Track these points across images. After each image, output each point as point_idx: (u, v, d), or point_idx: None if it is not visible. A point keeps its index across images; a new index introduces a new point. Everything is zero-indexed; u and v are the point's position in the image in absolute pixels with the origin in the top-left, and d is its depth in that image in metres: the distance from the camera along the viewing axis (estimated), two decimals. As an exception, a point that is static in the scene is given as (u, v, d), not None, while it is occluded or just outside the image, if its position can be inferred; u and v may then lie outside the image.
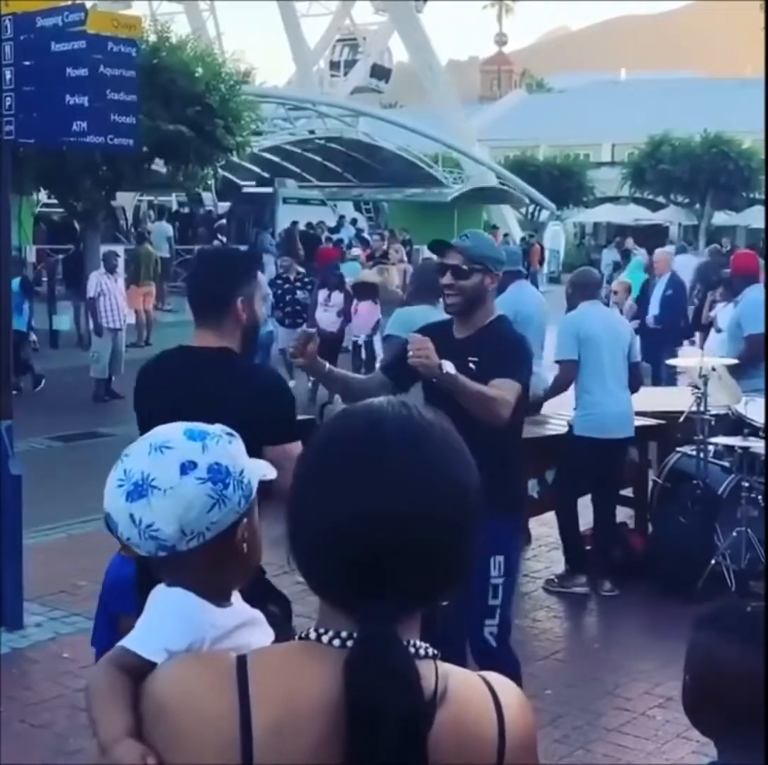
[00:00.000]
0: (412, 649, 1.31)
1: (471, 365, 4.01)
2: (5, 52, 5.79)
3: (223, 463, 1.54)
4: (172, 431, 1.57)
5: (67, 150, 14.82)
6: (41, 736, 4.78)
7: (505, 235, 32.82)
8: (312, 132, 31.42)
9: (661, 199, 39.73)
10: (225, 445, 1.57)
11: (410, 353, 3.82)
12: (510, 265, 7.62)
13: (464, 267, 4.18)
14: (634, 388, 6.79)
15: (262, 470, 1.61)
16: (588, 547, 6.93)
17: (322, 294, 13.61)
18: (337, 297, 13.47)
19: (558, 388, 6.88)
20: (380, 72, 49.19)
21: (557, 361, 6.81)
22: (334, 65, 47.87)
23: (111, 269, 14.57)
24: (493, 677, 1.40)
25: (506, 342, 4.18)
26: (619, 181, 39.55)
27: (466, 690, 1.35)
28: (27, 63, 5.80)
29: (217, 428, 1.60)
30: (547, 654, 5.84)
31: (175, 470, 1.51)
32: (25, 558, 6.04)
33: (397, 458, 1.31)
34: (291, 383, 14.39)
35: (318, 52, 47.64)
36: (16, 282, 11.87)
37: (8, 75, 5.79)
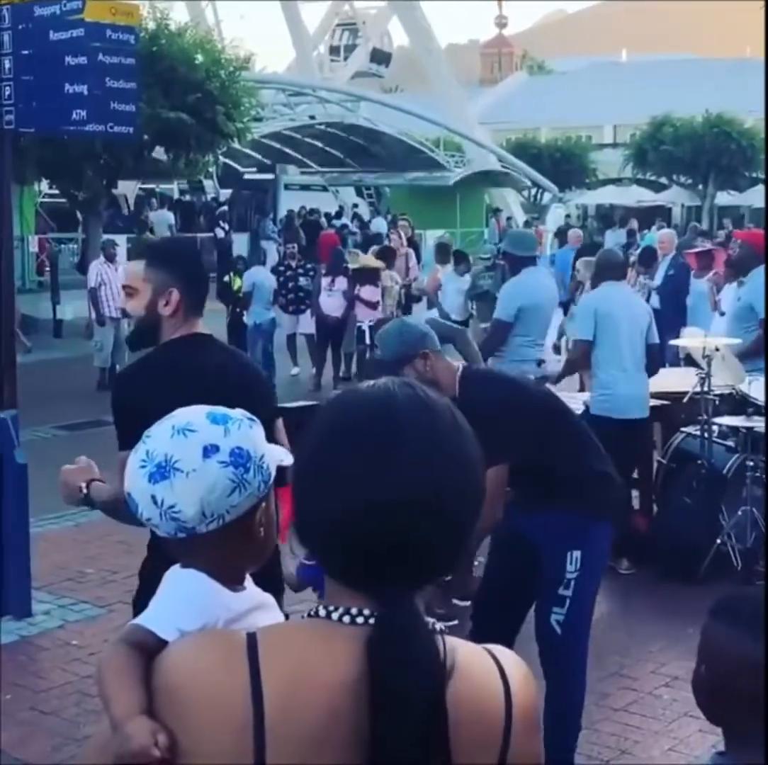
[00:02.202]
0: (430, 625, 1.33)
1: None
2: (4, 41, 5.79)
3: (245, 447, 1.56)
4: (194, 414, 1.58)
5: (67, 139, 14.80)
6: (50, 723, 4.80)
7: (508, 218, 32.80)
8: (312, 117, 31.35)
9: (663, 180, 39.61)
10: (246, 430, 1.59)
11: None
12: (523, 250, 7.61)
13: (393, 371, 3.97)
14: (653, 369, 6.78)
15: (280, 456, 1.62)
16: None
17: (326, 279, 13.59)
18: (342, 282, 13.45)
19: (570, 366, 6.89)
20: (380, 56, 49.10)
21: (574, 341, 6.82)
22: (333, 50, 47.81)
23: (110, 258, 14.55)
24: (499, 650, 1.42)
25: (473, 418, 4.04)
26: (622, 162, 39.44)
27: (473, 663, 1.36)
28: (26, 52, 5.80)
29: (239, 412, 1.62)
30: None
31: (198, 453, 1.53)
32: (31, 547, 6.05)
33: (411, 441, 1.32)
34: (295, 370, 14.47)
35: (317, 37, 47.55)
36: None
37: (7, 64, 5.79)
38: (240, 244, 25.15)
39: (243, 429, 1.58)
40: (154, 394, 2.90)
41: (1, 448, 5.89)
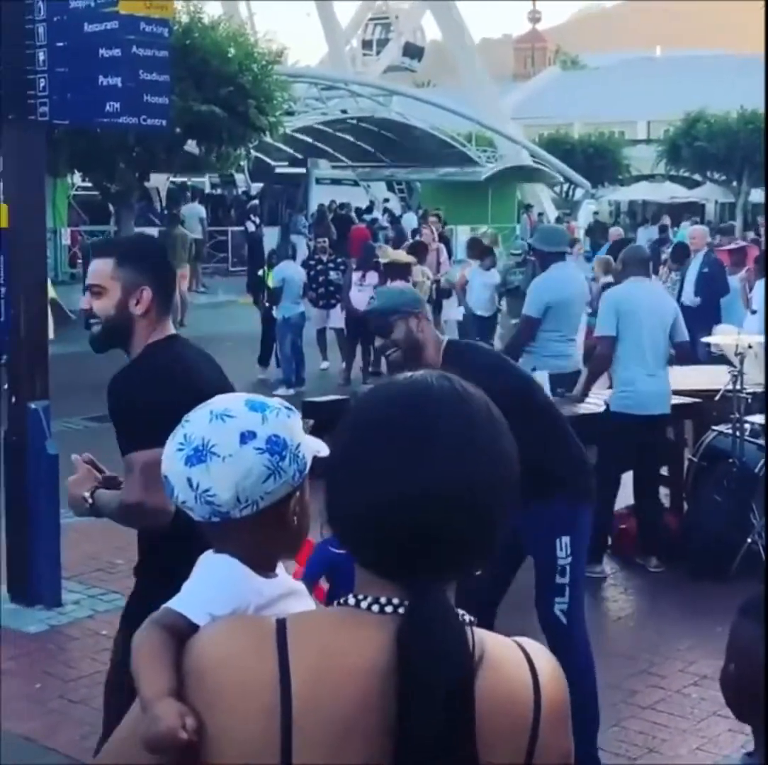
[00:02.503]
0: (462, 615, 1.33)
1: None
2: (39, 33, 5.80)
3: (282, 435, 1.57)
4: (233, 401, 1.60)
5: (100, 131, 14.88)
6: (79, 712, 4.83)
7: (540, 214, 32.68)
8: (344, 112, 31.37)
9: (697, 176, 39.36)
10: (284, 419, 1.60)
11: None
12: (553, 245, 7.58)
13: (383, 322, 4.25)
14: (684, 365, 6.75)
15: (316, 446, 1.62)
16: (623, 526, 6.92)
17: (357, 274, 13.59)
18: (372, 276, 13.45)
19: (595, 364, 6.84)
20: (413, 51, 49.02)
21: (596, 337, 6.78)
22: (366, 44, 47.78)
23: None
24: (528, 643, 1.41)
25: (466, 369, 4.12)
26: (655, 158, 39.20)
27: (502, 655, 1.36)
28: (60, 44, 5.81)
29: (277, 401, 1.63)
30: (581, 632, 5.83)
31: (235, 438, 1.54)
32: (62, 537, 6.10)
33: (445, 434, 1.32)
34: (324, 365, 14.49)
35: (350, 31, 47.52)
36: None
37: (42, 56, 5.80)
38: (271, 238, 25.19)
39: (280, 417, 1.59)
40: (153, 398, 2.92)
41: (32, 438, 5.93)
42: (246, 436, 1.54)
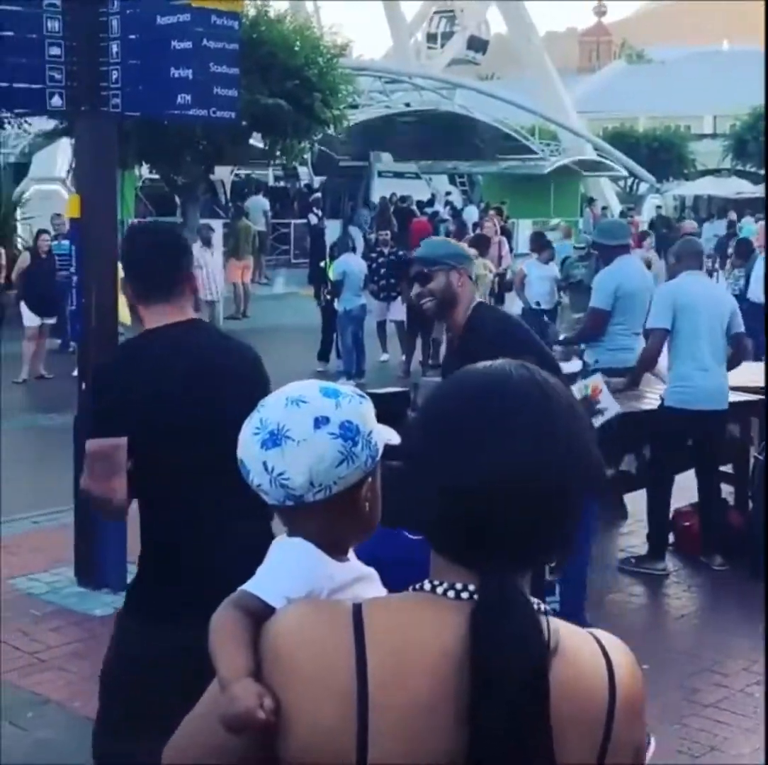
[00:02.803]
0: (536, 604, 1.34)
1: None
2: (112, 25, 5.88)
3: (355, 421, 1.59)
4: (307, 387, 1.62)
5: (167, 124, 15.03)
6: (144, 694, 4.90)
7: (604, 208, 32.39)
8: (408, 105, 31.36)
9: (763, 171, 38.74)
10: (356, 405, 1.62)
11: None
12: (615, 239, 7.53)
13: (425, 270, 4.26)
14: (738, 360, 6.66)
15: (388, 434, 1.65)
16: (687, 524, 6.86)
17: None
18: (433, 270, 13.42)
19: (646, 357, 6.77)
20: (477, 44, 48.82)
21: (648, 329, 6.71)
22: (431, 37, 47.65)
23: (206, 242, 14.76)
24: (604, 635, 1.41)
25: (486, 330, 4.14)
26: (721, 153, 38.70)
27: (577, 646, 1.36)
28: (133, 36, 5.88)
29: (350, 388, 1.66)
30: (644, 628, 5.81)
31: (309, 423, 1.56)
32: (127, 521, 6.18)
33: (523, 423, 1.33)
34: (384, 357, 14.52)
35: (415, 24, 47.45)
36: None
37: (115, 48, 5.88)
38: (333, 231, 25.27)
39: (353, 404, 1.62)
40: (107, 390, 2.99)
41: (101, 425, 6.02)
42: (320, 421, 1.56)
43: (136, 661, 2.96)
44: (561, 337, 8.31)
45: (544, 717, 1.28)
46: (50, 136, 19.78)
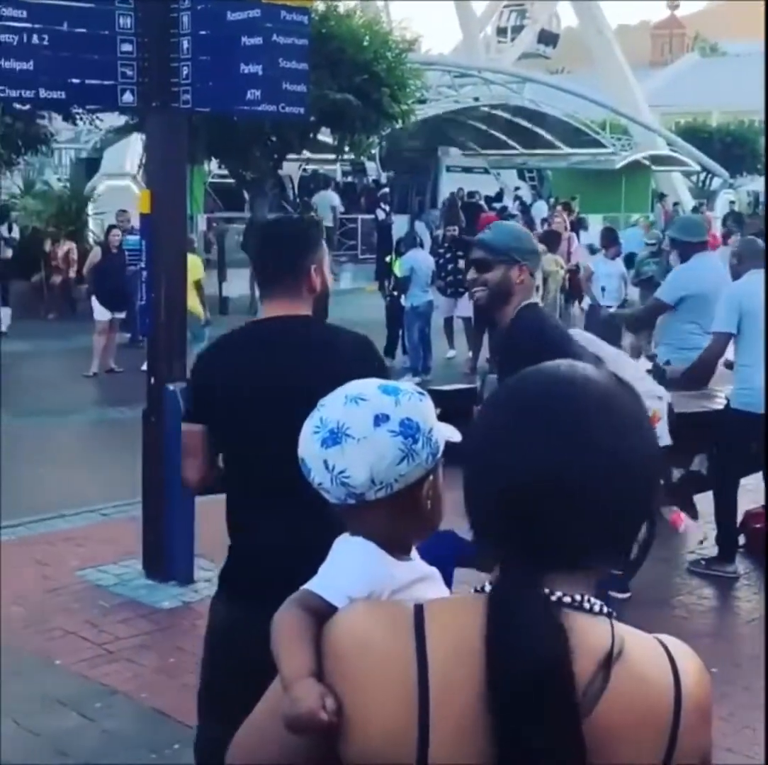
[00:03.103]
0: (568, 599, 1.31)
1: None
2: (183, 22, 5.92)
3: (415, 419, 1.58)
4: (367, 385, 1.62)
5: (236, 119, 15.12)
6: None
7: (675, 203, 31.99)
8: (477, 99, 31.18)
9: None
10: (416, 403, 1.61)
11: None
12: (692, 236, 7.41)
13: (487, 259, 4.03)
14: None
15: (449, 432, 1.63)
16: (757, 526, 6.74)
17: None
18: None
19: (705, 359, 6.62)
20: (547, 37, 48.46)
21: (712, 332, 6.56)
22: (500, 31, 47.41)
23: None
24: (671, 641, 1.38)
25: (518, 338, 3.96)
26: (796, 147, 37.95)
27: (641, 652, 1.34)
28: (203, 32, 5.92)
29: (410, 386, 1.65)
30: (712, 631, 5.72)
31: (369, 421, 1.56)
32: (196, 515, 6.23)
33: (584, 419, 1.32)
34: (451, 353, 14.48)
35: (485, 18, 47.23)
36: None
37: (185, 44, 5.92)
38: (400, 226, 25.27)
39: (413, 401, 1.61)
40: (193, 377, 3.13)
41: (169, 419, 6.06)
42: (379, 419, 1.56)
43: (213, 636, 3.09)
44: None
45: (571, 719, 1.25)
46: (121, 132, 20.01)
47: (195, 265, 12.95)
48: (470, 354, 13.92)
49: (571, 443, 1.31)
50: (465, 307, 13.97)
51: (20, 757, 4.31)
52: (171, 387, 6.07)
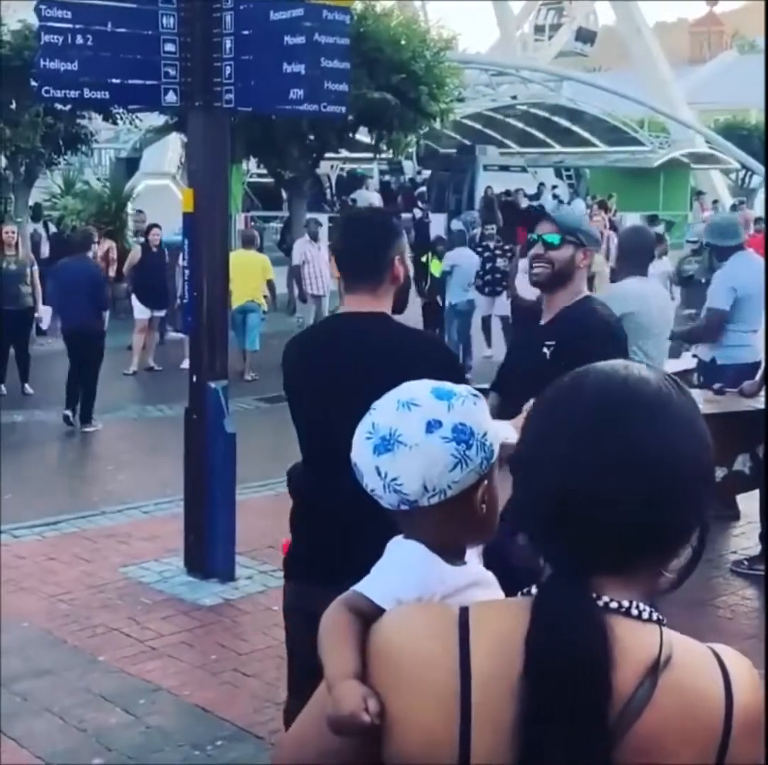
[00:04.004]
0: (615, 605, 1.29)
1: (545, 351, 3.74)
2: (226, 21, 5.94)
3: (468, 423, 1.55)
4: (419, 389, 1.59)
5: (274, 119, 15.16)
6: (252, 686, 4.96)
7: (714, 201, 31.71)
8: (514, 97, 31.11)
9: None
10: (470, 406, 1.58)
11: None
12: (728, 240, 7.34)
13: (556, 236, 3.94)
14: None
15: (505, 432, 1.61)
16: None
17: (524, 261, 13.46)
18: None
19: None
20: (585, 35, 48.14)
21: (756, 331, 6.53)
22: (538, 29, 47.18)
23: (314, 236, 14.85)
24: (725, 650, 1.35)
25: (591, 323, 3.84)
26: (837, 145, 37.52)
27: (691, 660, 1.31)
28: (246, 32, 5.93)
29: (463, 389, 1.62)
30: (756, 632, 5.66)
31: (421, 428, 1.53)
32: (236, 514, 6.25)
33: (636, 423, 1.30)
34: (489, 352, 14.43)
35: (522, 16, 47.04)
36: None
37: (228, 44, 5.94)
38: (437, 225, 25.24)
39: (466, 405, 1.58)
40: (294, 368, 3.24)
41: (212, 417, 6.10)
42: (432, 425, 1.53)
43: (285, 617, 3.23)
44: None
45: (601, 723, 1.23)
46: (160, 132, 20.12)
47: (266, 266, 13.24)
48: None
49: (624, 447, 1.29)
50: (503, 306, 13.91)
51: (66, 752, 4.35)
52: (212, 385, 6.10)
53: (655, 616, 1.32)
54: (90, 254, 11.56)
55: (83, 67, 5.77)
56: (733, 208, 29.16)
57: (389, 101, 16.74)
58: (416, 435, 1.53)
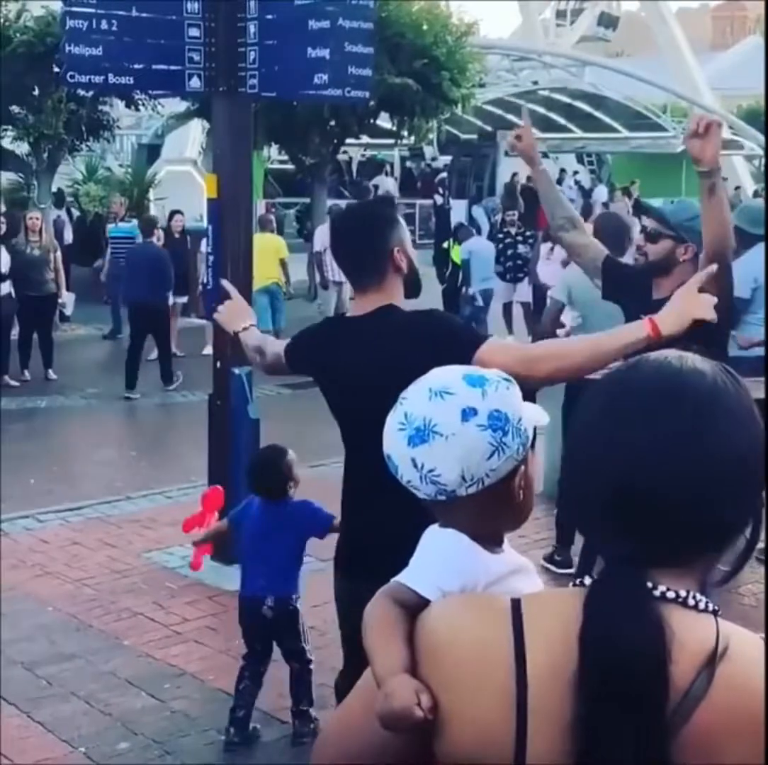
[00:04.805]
0: (672, 594, 1.27)
1: None
2: (250, 6, 5.91)
3: (503, 410, 1.53)
4: (451, 376, 1.57)
5: (296, 105, 15.12)
6: (275, 671, 4.92)
7: (737, 187, 31.50)
8: (536, 83, 30.92)
9: None
10: (503, 392, 1.56)
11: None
12: (757, 227, 7.26)
13: (656, 229, 4.17)
14: None
15: (536, 417, 1.59)
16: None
17: (545, 247, 13.42)
18: (560, 250, 13.25)
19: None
20: (607, 20, 47.81)
21: None
22: (560, 14, 46.83)
23: (337, 223, 14.84)
24: None
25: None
26: None
27: (749, 652, 1.29)
28: (270, 17, 5.90)
29: (495, 374, 1.59)
30: (781, 621, 5.63)
31: (457, 416, 1.51)
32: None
33: (691, 414, 1.29)
34: (510, 339, 14.40)
35: (544, 1, 46.74)
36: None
37: (252, 29, 5.91)
38: (458, 211, 25.17)
39: (500, 391, 1.56)
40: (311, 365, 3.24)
41: (235, 403, 6.10)
42: (467, 413, 1.51)
43: (335, 601, 3.27)
44: None
45: (659, 717, 1.21)
46: (182, 118, 20.10)
47: (280, 245, 13.50)
48: (530, 339, 13.84)
49: (678, 439, 1.28)
50: (524, 293, 13.87)
51: (93, 735, 4.38)
52: (236, 371, 6.10)
53: (710, 606, 1.30)
54: (154, 239, 12.22)
55: (108, 53, 5.76)
56: (756, 194, 28.96)
57: (411, 87, 16.66)
58: (452, 424, 1.50)
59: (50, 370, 12.09)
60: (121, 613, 5.57)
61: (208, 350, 12.30)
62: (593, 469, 1.31)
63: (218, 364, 6.23)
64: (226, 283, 3.90)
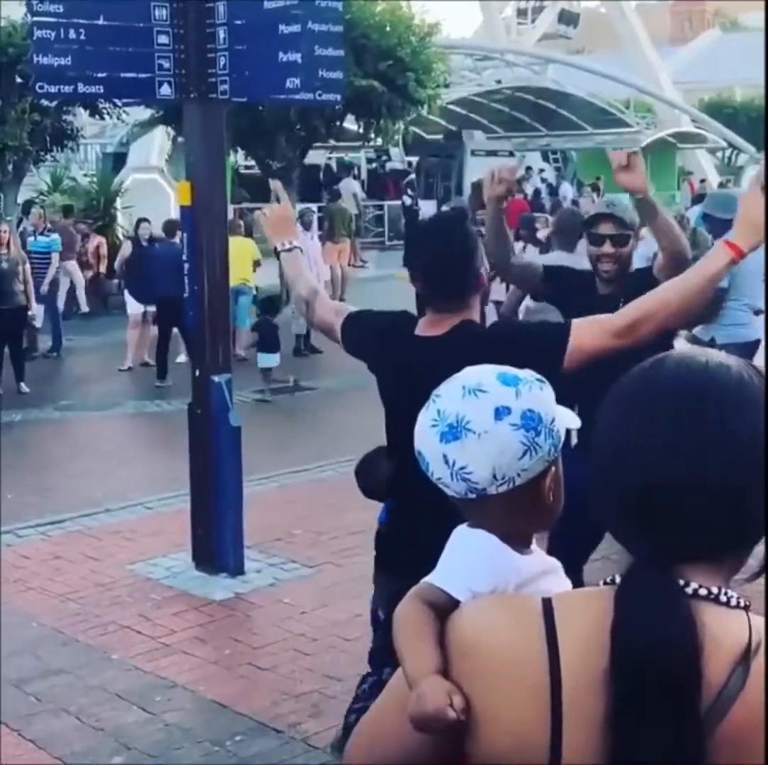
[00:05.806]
0: (704, 591, 1.26)
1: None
2: (219, 11, 5.88)
3: (537, 410, 1.53)
4: (484, 374, 1.56)
5: (262, 109, 15.06)
6: (267, 679, 4.93)
7: (702, 180, 31.74)
8: (499, 82, 31.00)
9: None
10: (537, 392, 1.56)
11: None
12: (728, 212, 7.28)
13: (625, 233, 4.29)
14: None
15: (569, 418, 1.59)
16: None
17: (518, 246, 13.42)
18: (532, 250, 13.26)
19: None
20: (568, 17, 47.93)
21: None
22: (521, 13, 46.87)
23: (307, 226, 14.79)
24: None
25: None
26: (823, 121, 37.52)
27: None
28: (239, 22, 5.87)
29: (529, 373, 1.59)
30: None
31: (490, 415, 1.51)
32: (243, 508, 6.22)
33: (718, 410, 1.28)
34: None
35: (505, 0, 46.79)
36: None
37: (222, 34, 5.88)
38: (427, 212, 25.18)
39: (534, 390, 1.55)
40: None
41: (215, 411, 6.07)
42: (500, 412, 1.50)
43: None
44: None
45: (694, 715, 1.20)
46: (147, 126, 19.99)
47: (253, 248, 13.64)
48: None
49: (707, 435, 1.27)
50: (498, 291, 13.86)
51: (86, 751, 4.33)
52: (216, 379, 6.07)
53: (742, 601, 1.29)
54: (176, 240, 12.23)
55: (77, 62, 5.71)
56: (720, 186, 29.17)
57: (376, 88, 16.65)
58: (485, 422, 1.50)
59: (22, 383, 11.98)
60: (108, 627, 5.52)
61: (182, 358, 12.30)
62: (621, 467, 1.30)
63: (197, 373, 6.19)
64: (275, 184, 4.08)
